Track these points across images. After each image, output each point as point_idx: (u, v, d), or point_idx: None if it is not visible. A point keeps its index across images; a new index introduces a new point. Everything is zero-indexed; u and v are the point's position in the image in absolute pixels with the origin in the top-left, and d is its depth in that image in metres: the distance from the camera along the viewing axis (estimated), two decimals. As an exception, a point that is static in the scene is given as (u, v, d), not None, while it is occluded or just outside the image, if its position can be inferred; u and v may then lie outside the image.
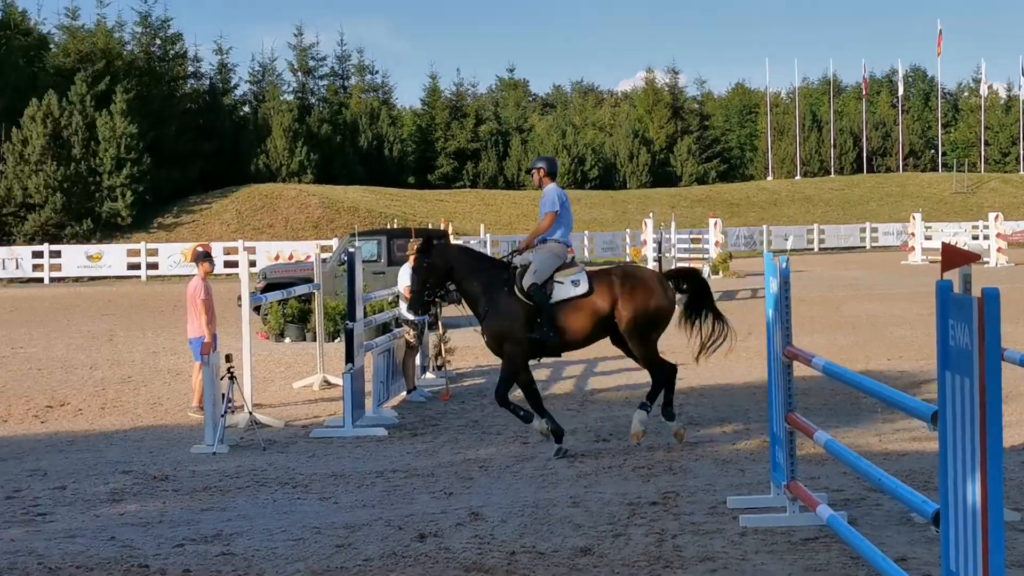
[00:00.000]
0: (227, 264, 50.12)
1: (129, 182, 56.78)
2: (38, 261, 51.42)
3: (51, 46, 65.94)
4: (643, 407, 12.73)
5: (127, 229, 56.71)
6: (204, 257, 15.82)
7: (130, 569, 8.41)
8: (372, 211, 57.21)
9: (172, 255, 51.61)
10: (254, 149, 66.22)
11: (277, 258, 47.58)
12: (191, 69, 70.26)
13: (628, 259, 54.22)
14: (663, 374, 12.85)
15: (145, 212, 58.12)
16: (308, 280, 22.79)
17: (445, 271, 12.92)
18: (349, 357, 14.40)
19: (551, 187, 13.11)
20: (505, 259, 13.21)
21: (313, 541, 9.02)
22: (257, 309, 24.35)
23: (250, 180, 63.34)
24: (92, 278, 50.98)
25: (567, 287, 12.66)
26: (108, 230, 56.63)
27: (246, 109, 74.51)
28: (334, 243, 43.48)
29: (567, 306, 12.62)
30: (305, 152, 66.02)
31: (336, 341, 22.19)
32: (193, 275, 15.94)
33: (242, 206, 58.99)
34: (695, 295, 13.09)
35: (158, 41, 67.73)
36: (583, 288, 12.63)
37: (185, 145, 63.29)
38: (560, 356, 13.68)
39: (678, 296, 13.14)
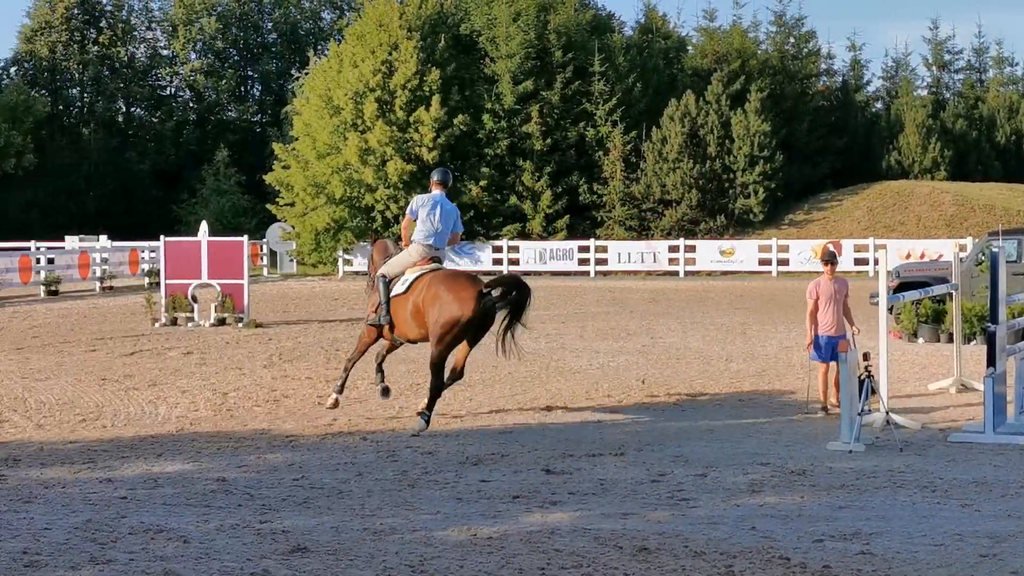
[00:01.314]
0: (856, 262, 49.90)
1: (761, 179, 57.78)
2: (673, 255, 53.54)
3: (688, 48, 68.47)
4: (422, 415, 13.88)
5: (758, 225, 57.75)
6: (831, 258, 16.19)
7: (771, 560, 8.62)
8: (1009, 209, 54.57)
9: (802, 251, 51.97)
10: (885, 146, 65.21)
11: (908, 256, 46.67)
12: (823, 67, 70.41)
13: None
14: (435, 381, 13.92)
15: (776, 209, 58.87)
16: (942, 280, 22.20)
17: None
18: (991, 361, 13.93)
19: (427, 194, 14.75)
20: None
21: (955, 548, 8.83)
22: (889, 308, 24.05)
23: (881, 177, 62.41)
24: (724, 272, 52.42)
25: (399, 284, 14.34)
26: (740, 226, 57.96)
27: (878, 105, 73.58)
28: (968, 242, 42.02)
29: (395, 301, 14.36)
30: (938, 148, 64.12)
31: (972, 344, 21.49)
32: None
33: (873, 203, 58.28)
34: (513, 305, 14.02)
35: (791, 39, 68.38)
36: (405, 287, 14.21)
37: (816, 142, 63.51)
38: (413, 343, 15.09)
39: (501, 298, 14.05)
